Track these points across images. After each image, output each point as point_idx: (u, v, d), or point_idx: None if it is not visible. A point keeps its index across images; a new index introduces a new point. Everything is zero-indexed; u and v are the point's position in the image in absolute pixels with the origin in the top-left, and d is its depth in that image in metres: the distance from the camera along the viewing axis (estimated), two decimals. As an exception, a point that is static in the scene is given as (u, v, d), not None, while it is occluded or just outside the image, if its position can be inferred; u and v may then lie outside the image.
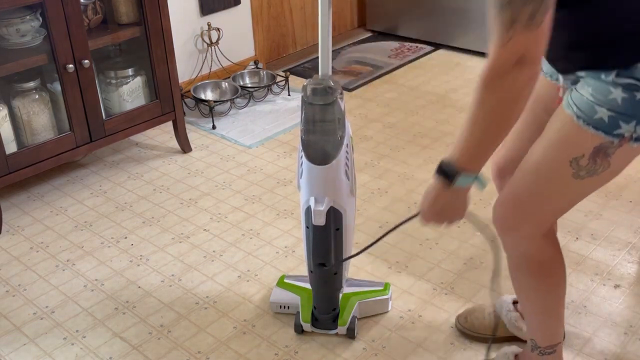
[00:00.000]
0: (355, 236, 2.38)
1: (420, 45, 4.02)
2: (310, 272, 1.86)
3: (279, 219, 2.49)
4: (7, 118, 2.45)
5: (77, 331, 2.01)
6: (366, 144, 2.98)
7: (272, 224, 2.46)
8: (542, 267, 1.53)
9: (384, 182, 2.69)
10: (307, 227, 1.77)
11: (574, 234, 2.33)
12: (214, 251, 2.34)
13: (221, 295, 2.13)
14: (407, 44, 4.05)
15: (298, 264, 2.25)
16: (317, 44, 1.63)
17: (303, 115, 1.67)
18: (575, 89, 1.35)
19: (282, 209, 2.55)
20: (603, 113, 1.28)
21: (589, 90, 1.31)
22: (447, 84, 3.53)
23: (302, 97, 1.66)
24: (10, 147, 2.45)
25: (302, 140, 1.69)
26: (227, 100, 3.26)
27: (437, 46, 4.00)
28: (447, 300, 2.07)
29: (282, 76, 3.48)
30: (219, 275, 2.22)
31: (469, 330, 1.91)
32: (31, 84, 2.51)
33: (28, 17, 2.44)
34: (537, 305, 1.61)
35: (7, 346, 1.97)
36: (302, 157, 1.70)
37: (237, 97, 3.30)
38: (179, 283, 2.19)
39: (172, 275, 2.23)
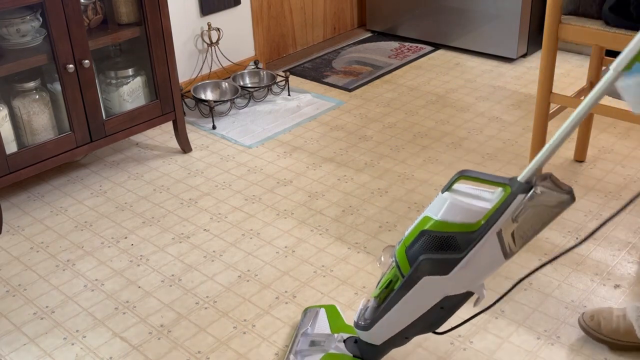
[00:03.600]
0: (355, 236, 2.39)
1: (420, 45, 4.02)
2: (405, 338, 1.68)
3: (279, 219, 2.49)
4: (7, 118, 2.45)
5: (77, 331, 2.01)
6: (366, 144, 2.98)
7: (272, 224, 2.47)
8: None
9: (384, 182, 2.69)
10: (442, 308, 1.58)
11: (574, 234, 2.33)
12: (214, 251, 2.34)
13: (221, 295, 2.13)
14: (407, 44, 4.05)
15: (298, 264, 2.25)
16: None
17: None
18: None
19: (282, 209, 2.55)
20: None
21: None
22: (447, 84, 3.53)
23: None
24: (11, 147, 2.45)
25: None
26: (227, 100, 3.27)
27: (437, 46, 4.00)
28: (447, 300, 2.07)
29: (282, 76, 3.48)
30: (219, 275, 2.22)
31: (592, 330, 1.83)
32: (31, 84, 2.51)
33: (28, 17, 2.44)
34: None
35: (7, 346, 1.97)
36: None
37: (237, 97, 3.30)
38: (179, 283, 2.19)
39: (172, 275, 2.23)
